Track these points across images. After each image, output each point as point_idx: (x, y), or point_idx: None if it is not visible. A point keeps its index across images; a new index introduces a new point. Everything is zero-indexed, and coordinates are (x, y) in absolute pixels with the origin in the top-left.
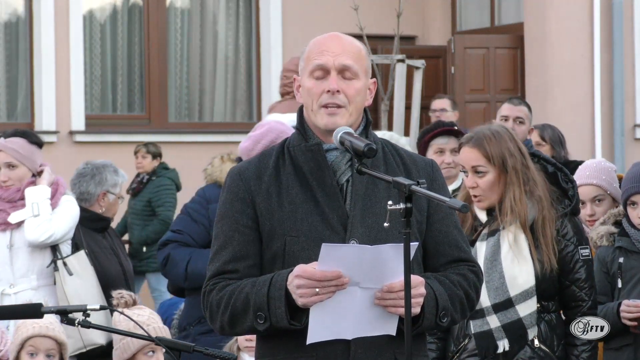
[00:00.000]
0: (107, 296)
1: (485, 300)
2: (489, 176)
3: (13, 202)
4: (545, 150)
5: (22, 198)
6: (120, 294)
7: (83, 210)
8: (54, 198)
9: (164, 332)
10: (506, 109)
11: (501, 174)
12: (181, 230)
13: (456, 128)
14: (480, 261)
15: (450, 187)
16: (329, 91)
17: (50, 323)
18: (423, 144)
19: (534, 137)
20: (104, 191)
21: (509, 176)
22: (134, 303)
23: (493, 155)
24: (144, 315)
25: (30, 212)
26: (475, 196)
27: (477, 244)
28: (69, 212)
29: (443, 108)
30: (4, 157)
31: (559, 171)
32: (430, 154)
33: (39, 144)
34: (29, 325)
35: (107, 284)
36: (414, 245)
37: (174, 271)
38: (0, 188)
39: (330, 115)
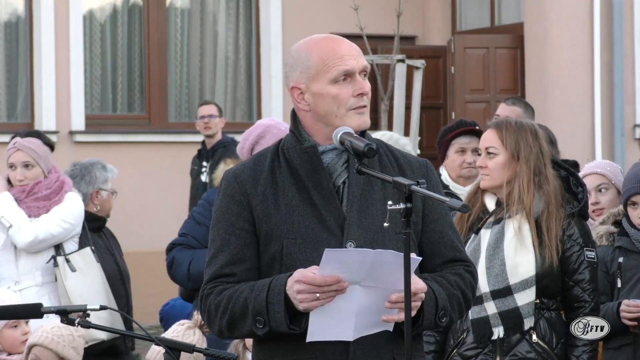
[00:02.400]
0: None
1: (484, 286)
2: (499, 158)
3: (19, 201)
4: None
5: (28, 196)
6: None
7: None
8: (58, 195)
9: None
10: (499, 108)
11: (511, 160)
12: (186, 233)
13: (477, 128)
14: (483, 248)
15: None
16: (359, 94)
17: (59, 336)
18: (445, 143)
19: None
20: (96, 189)
21: (520, 165)
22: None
23: (507, 139)
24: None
25: (3, 226)
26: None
27: (482, 231)
28: (65, 210)
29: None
30: (22, 156)
31: (571, 176)
32: (452, 153)
33: (51, 147)
34: (41, 331)
35: None
36: (416, 260)
37: (179, 272)
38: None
39: (360, 115)
